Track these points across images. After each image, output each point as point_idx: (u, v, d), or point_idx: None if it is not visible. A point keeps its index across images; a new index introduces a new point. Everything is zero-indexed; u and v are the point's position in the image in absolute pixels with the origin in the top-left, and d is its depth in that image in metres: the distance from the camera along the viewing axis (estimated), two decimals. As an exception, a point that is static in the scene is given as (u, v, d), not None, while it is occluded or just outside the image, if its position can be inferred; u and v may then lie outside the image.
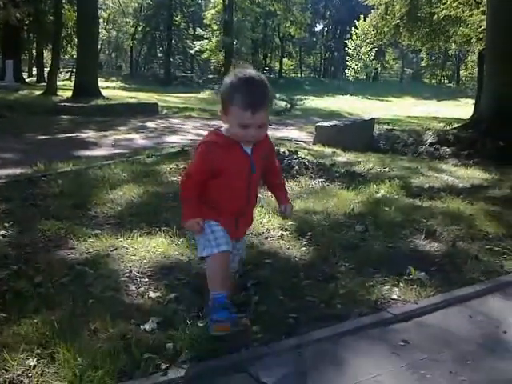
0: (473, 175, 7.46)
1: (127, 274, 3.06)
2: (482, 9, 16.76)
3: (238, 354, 2.31)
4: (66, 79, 38.34)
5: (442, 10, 18.84)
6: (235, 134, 2.24)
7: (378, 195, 5.42)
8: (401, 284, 3.17)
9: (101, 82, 22.19)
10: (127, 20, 50.72)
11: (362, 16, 40.91)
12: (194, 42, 44.27)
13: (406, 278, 3.25)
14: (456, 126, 14.07)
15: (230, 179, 2.31)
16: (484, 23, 14.48)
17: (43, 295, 2.73)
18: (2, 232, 3.72)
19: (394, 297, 3.02)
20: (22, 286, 2.83)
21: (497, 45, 12.05)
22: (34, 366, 2.08)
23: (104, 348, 2.20)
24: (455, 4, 18.45)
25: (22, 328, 2.37)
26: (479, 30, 17.54)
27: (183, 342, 2.30)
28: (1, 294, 2.74)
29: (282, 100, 21.70)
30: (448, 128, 14.10)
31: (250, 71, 2.24)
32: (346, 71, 49.67)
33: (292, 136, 11.77)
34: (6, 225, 3.88)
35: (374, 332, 2.59)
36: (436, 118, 21.47)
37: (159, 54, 55.45)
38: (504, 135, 10.32)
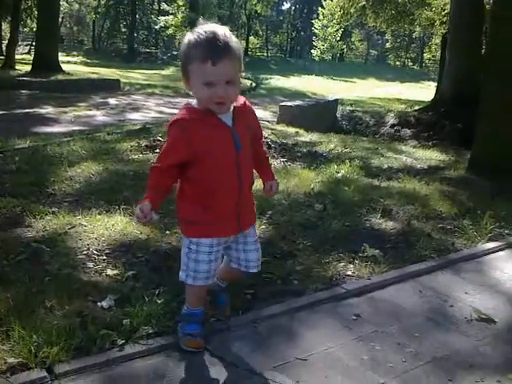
0: (430, 156, 7.65)
1: (85, 252, 3.05)
2: (446, -9, 16.95)
3: (195, 329, 2.35)
4: (25, 53, 37.02)
5: (407, -9, 18.99)
6: (202, 98, 1.93)
7: (339, 175, 5.51)
8: (356, 261, 3.26)
9: (61, 57, 21.60)
10: (90, -7, 49.24)
11: (328, -5, 40.92)
12: (159, 18, 43.37)
13: (360, 255, 3.35)
14: (417, 108, 14.33)
15: (213, 160, 1.97)
16: (448, 7, 14.70)
17: (-2, 273, 2.71)
18: (-44, 209, 3.63)
19: (349, 273, 3.11)
20: (-24, 263, 2.79)
21: (459, 29, 12.28)
22: (-12, 343, 2.07)
23: (60, 325, 2.20)
24: (420, -14, 18.62)
25: (-25, 306, 2.34)
26: (443, 13, 17.76)
27: (140, 318, 2.32)
28: (-46, 271, 2.69)
29: (248, 79, 21.61)
30: (409, 110, 14.36)
31: (211, 25, 1.90)
32: (312, 51, 49.72)
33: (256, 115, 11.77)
34: (-40, 202, 3.79)
35: (327, 307, 2.67)
36: (398, 99, 21.74)
37: (123, 29, 54.05)
38: (462, 118, 10.59)
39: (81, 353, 2.09)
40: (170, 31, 40.40)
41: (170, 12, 40.00)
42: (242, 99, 2.07)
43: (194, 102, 2.02)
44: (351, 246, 3.49)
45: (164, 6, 43.38)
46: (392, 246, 3.60)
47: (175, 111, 8.87)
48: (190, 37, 1.89)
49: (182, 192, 2.11)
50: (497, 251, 3.69)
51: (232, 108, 2.00)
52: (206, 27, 1.87)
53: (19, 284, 2.59)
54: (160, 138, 6.64)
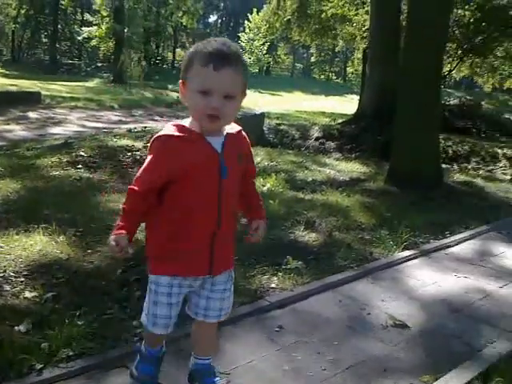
0: (352, 169, 7.94)
1: (1, 275, 2.94)
2: (366, 9, 17.72)
3: (117, 349, 2.33)
4: None
5: (330, 8, 19.66)
6: (195, 108, 1.72)
7: (264, 189, 5.61)
8: (279, 273, 3.35)
9: (-23, 68, 20.56)
10: (9, 2, 47.31)
11: (255, 9, 41.67)
12: (83, 28, 42.32)
13: (284, 267, 3.44)
14: (340, 121, 14.82)
15: (192, 185, 1.74)
16: (368, 23, 15.36)
17: None
18: None
19: (273, 285, 3.19)
20: None
21: (378, 44, 12.84)
22: None
23: (-27, 352, 2.12)
24: (342, 3, 19.34)
25: None
26: (363, 29, 18.54)
27: (59, 340, 2.27)
28: None
29: (175, 91, 21.52)
30: (333, 123, 14.82)
31: (218, 39, 1.75)
32: (239, 64, 50.31)
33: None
34: None
35: (251, 320, 2.73)
36: (323, 113, 22.39)
37: (44, 40, 52.37)
38: (383, 131, 11.07)
39: (-4, 380, 2.02)
40: (93, 42, 39.43)
41: (94, 23, 39.06)
42: (237, 127, 1.87)
43: (184, 120, 1.81)
44: (275, 258, 3.57)
45: (87, 16, 42.34)
46: (314, 257, 3.72)
47: (99, 125, 8.75)
48: (199, 43, 1.75)
49: (152, 220, 1.85)
50: (411, 259, 3.90)
51: (225, 133, 1.79)
52: (218, 38, 1.74)
53: None
54: (83, 153, 6.50)
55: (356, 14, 19.02)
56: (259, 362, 2.34)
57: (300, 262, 3.51)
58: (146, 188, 1.75)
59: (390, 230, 4.47)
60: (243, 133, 1.88)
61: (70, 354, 2.22)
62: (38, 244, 3.40)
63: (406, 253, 3.98)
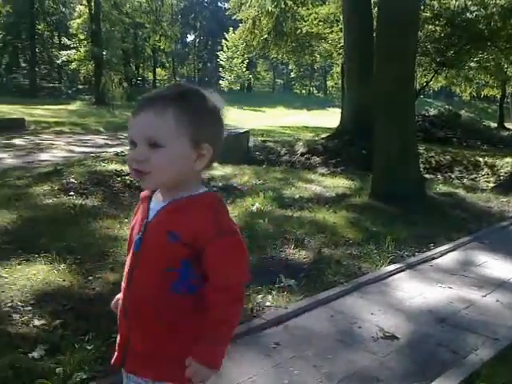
0: (338, 184, 8.15)
1: (9, 305, 3.07)
2: (340, 26, 18.16)
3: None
4: None
5: (305, 26, 20.09)
6: None
7: (253, 208, 5.79)
8: (273, 291, 3.52)
9: (-43, 94, 20.57)
10: (-16, 27, 47.33)
11: (231, 29, 42.15)
12: (61, 52, 42.43)
13: (277, 285, 3.61)
14: (324, 136, 15.11)
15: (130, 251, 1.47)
16: (342, 40, 15.74)
17: None
18: None
19: (268, 304, 3.36)
20: None
21: (353, 60, 13.20)
22: None
23: (-8, 380, 2.25)
24: (316, 22, 19.76)
25: None
26: (339, 45, 18.96)
27: (72, 365, 2.41)
28: None
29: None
30: (317, 138, 15.11)
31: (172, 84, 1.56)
32: (221, 82, 50.74)
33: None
34: None
35: (249, 338, 2.89)
36: (306, 127, 22.75)
37: (22, 64, 52.35)
38: (365, 144, 11.34)
39: (17, 405, 2.16)
40: (73, 65, 39.53)
41: (72, 46, 39.23)
42: (202, 195, 1.39)
43: None
44: (269, 277, 3.74)
45: (65, 40, 42.51)
46: (305, 274, 3.90)
47: (86, 150, 8.93)
48: None
49: None
50: (398, 272, 4.10)
51: (172, 199, 1.38)
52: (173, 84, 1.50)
53: None
54: (73, 180, 6.62)
55: (331, 32, 19.44)
56: (259, 377, 2.50)
57: (292, 280, 3.68)
58: None
59: (376, 244, 4.67)
60: (207, 208, 1.36)
61: (84, 377, 2.36)
62: (41, 273, 3.53)
63: (393, 266, 4.18)
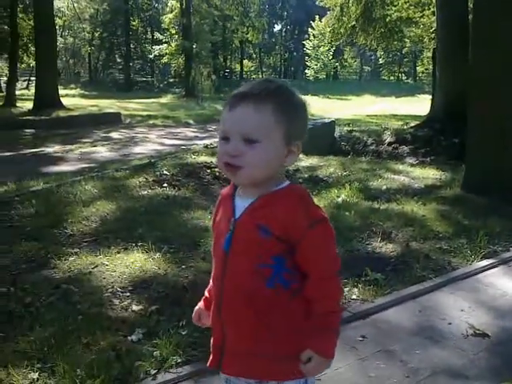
0: (427, 175, 7.91)
1: (110, 290, 3.32)
2: (432, 9, 17.45)
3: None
4: (24, 88, 37.75)
5: (394, 11, 19.51)
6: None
7: (339, 200, 5.78)
8: (359, 285, 3.52)
9: (60, 90, 22.06)
10: (84, 26, 50.19)
11: (317, 17, 41.75)
12: (153, 47, 44.12)
13: (364, 279, 3.61)
14: (413, 124, 14.64)
15: (213, 253, 1.49)
16: (435, 24, 15.13)
17: (34, 314, 2.97)
18: (-14, 255, 3.91)
19: (354, 297, 3.37)
20: (13, 306, 3.05)
21: (446, 45, 12.65)
22: (37, 379, 2.34)
23: (98, 359, 2.47)
24: (406, 6, 19.13)
25: (20, 345, 2.61)
26: (431, 30, 18.25)
27: (168, 349, 2.58)
28: (-6, 315, 2.96)
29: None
30: (405, 127, 14.67)
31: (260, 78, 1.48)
32: (306, 71, 50.52)
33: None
34: (-12, 248, 4.07)
35: (336, 330, 2.92)
36: (395, 115, 22.12)
37: (118, 60, 55.06)
38: (458, 132, 10.88)
39: (119, 383, 2.35)
40: (164, 59, 41.03)
41: (164, 41, 40.66)
42: (287, 187, 1.40)
43: None
44: (355, 270, 3.74)
45: (157, 35, 44.09)
46: (392, 268, 3.86)
47: (177, 142, 9.33)
48: None
49: None
50: (491, 268, 3.95)
51: (259, 194, 1.37)
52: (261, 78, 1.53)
53: (55, 323, 2.85)
54: (166, 172, 6.96)
55: (422, 16, 18.74)
56: (345, 369, 2.54)
57: (379, 274, 3.66)
58: None
59: (467, 238, 4.51)
60: (294, 199, 1.36)
61: (179, 360, 2.52)
62: (138, 261, 3.77)
63: (485, 262, 4.03)
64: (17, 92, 23.88)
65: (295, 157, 1.39)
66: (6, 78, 28.26)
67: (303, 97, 1.44)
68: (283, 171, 1.43)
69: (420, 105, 25.04)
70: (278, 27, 69.65)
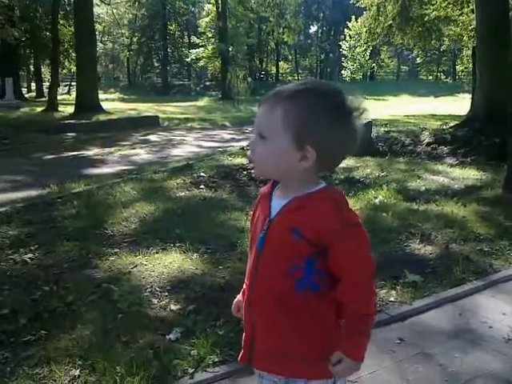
0: (467, 175, 7.75)
1: (149, 290, 3.38)
2: (471, 7, 17.08)
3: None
4: (65, 93, 38.86)
5: (433, 10, 19.18)
6: None
7: (376, 201, 5.72)
8: (397, 287, 3.48)
9: (100, 95, 22.58)
10: (122, 31, 51.27)
11: (353, 17, 41.38)
12: (190, 51, 44.68)
13: (402, 281, 3.56)
14: (452, 124, 14.36)
15: (250, 250, 1.49)
16: (474, 23, 14.80)
17: (76, 313, 3.05)
18: (30, 255, 4.03)
19: (392, 299, 3.33)
20: (56, 305, 3.14)
21: (486, 43, 12.36)
22: (78, 376, 2.40)
23: (137, 357, 2.52)
24: (444, 4, 18.78)
25: (62, 343, 2.69)
26: (470, 28, 17.87)
27: (205, 348, 2.61)
28: (37, 313, 3.05)
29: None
30: (444, 127, 14.40)
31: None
32: (343, 72, 50.14)
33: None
34: (32, 248, 4.19)
35: (373, 332, 2.88)
36: (433, 115, 21.75)
37: (156, 64, 56.01)
38: (498, 132, 10.61)
39: (158, 381, 2.39)
40: (201, 63, 41.51)
41: (200, 44, 41.13)
42: (322, 190, 1.37)
43: None
44: (392, 272, 3.70)
45: (194, 38, 44.65)
46: (431, 270, 3.79)
47: (213, 144, 9.44)
48: None
49: None
50: (534, 271, 3.84)
51: (294, 195, 1.36)
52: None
53: (96, 322, 2.92)
54: (203, 174, 7.04)
55: (461, 14, 18.37)
56: (383, 372, 2.51)
57: (417, 276, 3.61)
58: None
59: (510, 240, 4.40)
60: (328, 203, 1.34)
61: (216, 360, 2.55)
62: (176, 261, 3.83)
63: (529, 264, 3.93)
64: (58, 97, 24.54)
65: (308, 163, 1.32)
66: (48, 84, 29.18)
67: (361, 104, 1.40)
68: (312, 173, 1.37)
69: (459, 104, 24.55)
70: (313, 28, 69.50)
